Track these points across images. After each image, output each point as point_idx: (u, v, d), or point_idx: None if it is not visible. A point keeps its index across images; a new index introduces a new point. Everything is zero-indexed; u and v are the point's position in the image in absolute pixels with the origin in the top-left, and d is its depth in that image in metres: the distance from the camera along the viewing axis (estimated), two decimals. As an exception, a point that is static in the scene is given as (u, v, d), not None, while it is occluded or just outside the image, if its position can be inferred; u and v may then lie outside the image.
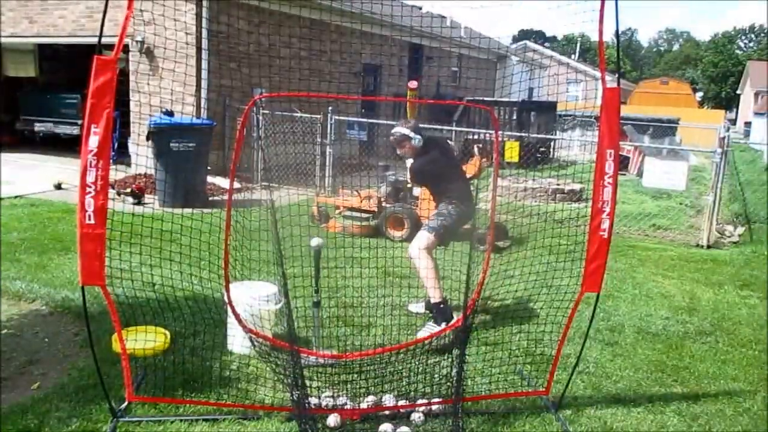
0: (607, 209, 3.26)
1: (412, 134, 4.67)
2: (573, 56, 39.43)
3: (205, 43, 10.75)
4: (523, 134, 12.94)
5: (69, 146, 13.14)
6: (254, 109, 11.31)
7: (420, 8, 24.10)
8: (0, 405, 3.35)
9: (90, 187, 2.84)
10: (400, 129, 4.71)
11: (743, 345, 4.77)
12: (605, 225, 3.27)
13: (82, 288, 3.04)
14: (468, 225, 5.17)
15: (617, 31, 3.13)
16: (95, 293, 4.46)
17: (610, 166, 3.23)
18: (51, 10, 12.15)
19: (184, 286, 4.18)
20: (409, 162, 4.87)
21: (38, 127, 13.27)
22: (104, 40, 2.94)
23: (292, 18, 12.80)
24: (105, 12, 2.88)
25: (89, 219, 2.85)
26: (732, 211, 10.77)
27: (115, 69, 2.90)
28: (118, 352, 3.92)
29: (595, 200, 3.26)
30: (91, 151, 2.87)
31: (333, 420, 3.29)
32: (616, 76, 3.32)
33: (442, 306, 4.46)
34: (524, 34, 48.86)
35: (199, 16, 10.67)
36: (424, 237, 4.56)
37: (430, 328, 4.38)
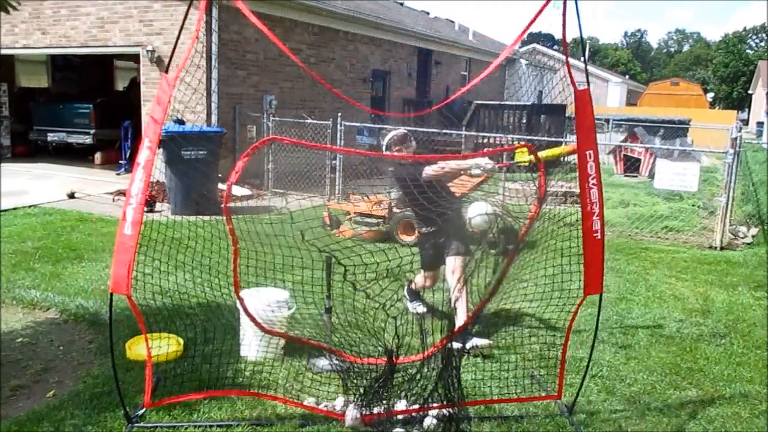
0: (596, 210, 3.22)
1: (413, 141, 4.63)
2: (581, 59, 39.29)
3: (215, 49, 10.82)
4: (533, 137, 12.89)
5: (82, 156, 13.30)
6: (264, 115, 11.40)
7: (428, 13, 24.19)
8: (1, 413, 3.38)
9: (132, 198, 2.92)
10: (403, 129, 4.67)
11: (758, 347, 4.72)
12: (597, 226, 3.23)
13: (111, 295, 3.08)
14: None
15: (580, 27, 3.13)
16: (106, 300, 4.50)
17: (591, 167, 3.19)
18: (63, 21, 12.29)
19: (196, 293, 4.20)
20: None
21: (51, 136, 13.41)
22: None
23: (302, 25, 12.88)
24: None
25: (127, 229, 2.91)
26: (745, 212, 10.67)
27: (173, 87, 2.98)
28: (131, 360, 3.97)
29: (584, 203, 3.20)
30: (139, 164, 2.93)
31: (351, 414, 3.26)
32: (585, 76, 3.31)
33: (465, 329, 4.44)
34: (533, 38, 48.77)
35: (208, 24, 10.75)
36: (461, 266, 4.53)
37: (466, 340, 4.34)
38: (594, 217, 3.21)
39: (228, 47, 11.13)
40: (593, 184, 3.19)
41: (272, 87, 12.28)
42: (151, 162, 2.94)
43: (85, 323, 4.63)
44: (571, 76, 3.18)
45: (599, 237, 3.24)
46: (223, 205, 3.20)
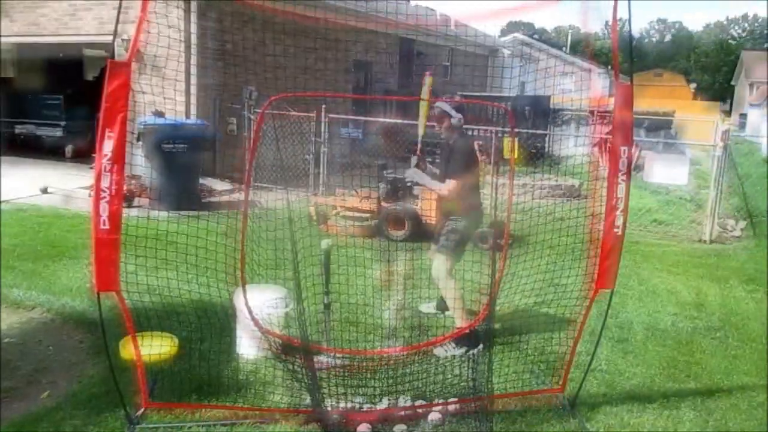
0: (621, 206, 3.22)
1: (453, 112, 4.53)
2: (564, 48, 39.36)
3: (194, 39, 10.57)
4: (518, 130, 12.85)
5: (51, 149, 12.73)
6: (245, 107, 11.18)
7: (408, 1, 23.96)
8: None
9: (104, 192, 2.82)
10: (442, 105, 4.58)
11: (753, 340, 4.77)
12: (619, 222, 3.24)
13: (98, 295, 2.99)
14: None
15: (630, 26, 3.10)
16: (93, 299, 4.35)
17: (624, 163, 3.20)
18: (32, 8, 11.84)
19: (182, 291, 4.06)
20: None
21: (19, 129, 12.92)
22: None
23: (281, 14, 12.64)
24: (119, 15, 2.84)
25: (104, 224, 2.82)
26: (732, 205, 10.74)
27: (129, 72, 2.89)
28: (126, 359, 3.83)
29: (610, 197, 3.21)
30: (106, 155, 2.82)
31: (364, 428, 3.22)
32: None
33: (468, 332, 4.34)
34: (513, 26, 48.83)
35: (187, 12, 10.50)
36: (443, 260, 4.45)
37: (447, 349, 4.28)
38: (618, 212, 3.20)
39: (207, 36, 10.86)
40: (622, 179, 3.18)
41: (252, 78, 12.02)
42: (118, 152, 2.83)
43: (73, 322, 4.50)
44: (616, 70, 3.14)
45: (620, 233, 3.23)
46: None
